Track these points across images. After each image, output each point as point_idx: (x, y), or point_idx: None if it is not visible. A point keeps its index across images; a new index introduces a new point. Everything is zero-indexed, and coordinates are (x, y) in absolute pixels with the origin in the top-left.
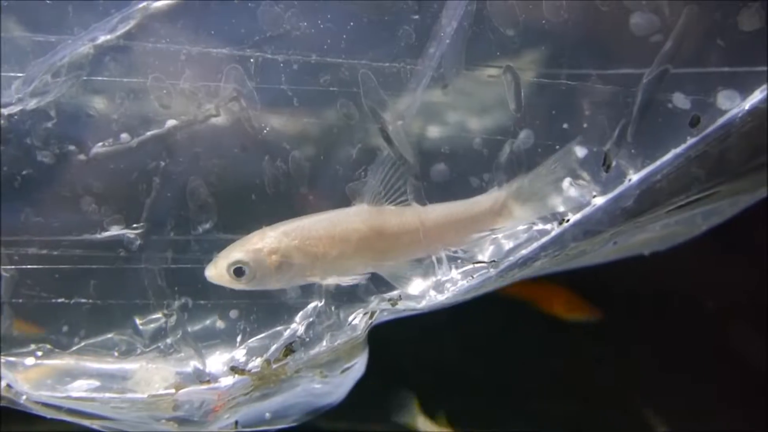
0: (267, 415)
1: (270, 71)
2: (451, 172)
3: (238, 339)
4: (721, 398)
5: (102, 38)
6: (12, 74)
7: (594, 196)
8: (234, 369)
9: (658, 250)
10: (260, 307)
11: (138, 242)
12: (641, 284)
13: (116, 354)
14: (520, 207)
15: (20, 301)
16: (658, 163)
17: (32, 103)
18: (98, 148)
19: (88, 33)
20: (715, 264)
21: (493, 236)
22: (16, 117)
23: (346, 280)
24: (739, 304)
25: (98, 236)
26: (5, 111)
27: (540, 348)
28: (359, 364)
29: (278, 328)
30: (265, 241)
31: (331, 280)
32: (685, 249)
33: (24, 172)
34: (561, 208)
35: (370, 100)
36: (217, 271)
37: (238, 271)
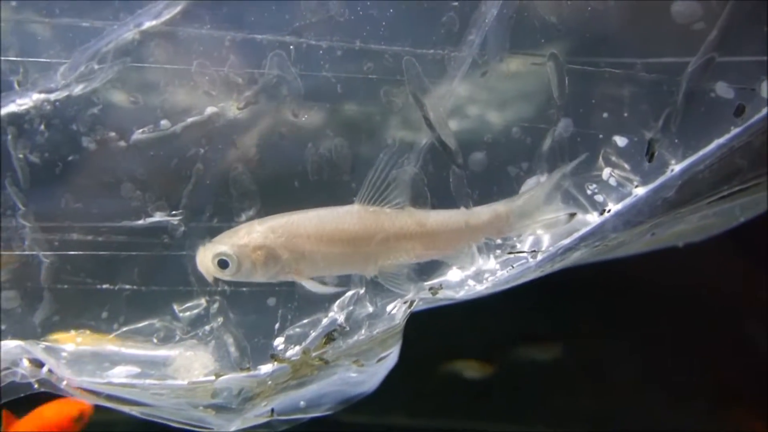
0: (302, 403)
1: (313, 58)
2: (489, 161)
3: (276, 327)
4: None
5: (147, 24)
6: (57, 60)
7: (635, 186)
8: (273, 357)
9: (693, 241)
10: (299, 294)
11: (182, 229)
12: (657, 278)
13: (155, 340)
14: (520, 221)
15: (64, 287)
16: (700, 153)
17: (78, 89)
18: (138, 135)
19: (133, 18)
20: (730, 259)
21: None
22: (58, 103)
23: (327, 290)
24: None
25: (140, 223)
26: (52, 97)
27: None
28: (394, 354)
29: (317, 316)
30: (251, 236)
31: (310, 285)
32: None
33: (66, 158)
34: (544, 243)
35: (413, 86)
36: (202, 260)
37: (222, 263)
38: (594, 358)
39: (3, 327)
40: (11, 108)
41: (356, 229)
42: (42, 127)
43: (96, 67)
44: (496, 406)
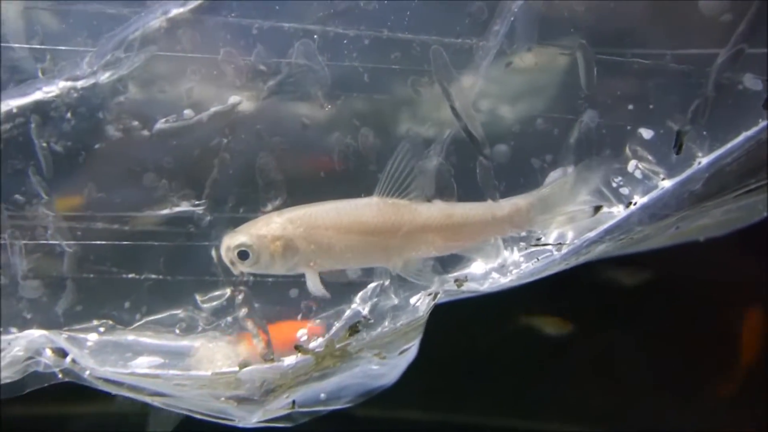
0: (322, 395)
1: (340, 47)
2: (513, 153)
3: (299, 318)
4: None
5: (174, 11)
6: (83, 48)
7: (662, 179)
8: (298, 348)
9: (715, 236)
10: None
11: (207, 218)
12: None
13: (178, 331)
14: (541, 215)
15: (87, 276)
16: (728, 145)
17: (104, 77)
18: (161, 125)
19: (160, 6)
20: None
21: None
22: (84, 91)
23: (322, 290)
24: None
25: (163, 212)
26: (78, 84)
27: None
28: (415, 346)
29: (339, 308)
30: (270, 227)
31: (312, 281)
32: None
33: (89, 147)
34: (584, 220)
35: (440, 76)
36: (222, 250)
37: (242, 255)
38: (604, 353)
39: (27, 316)
40: (37, 96)
41: (375, 221)
42: (69, 114)
43: (122, 55)
44: (509, 402)
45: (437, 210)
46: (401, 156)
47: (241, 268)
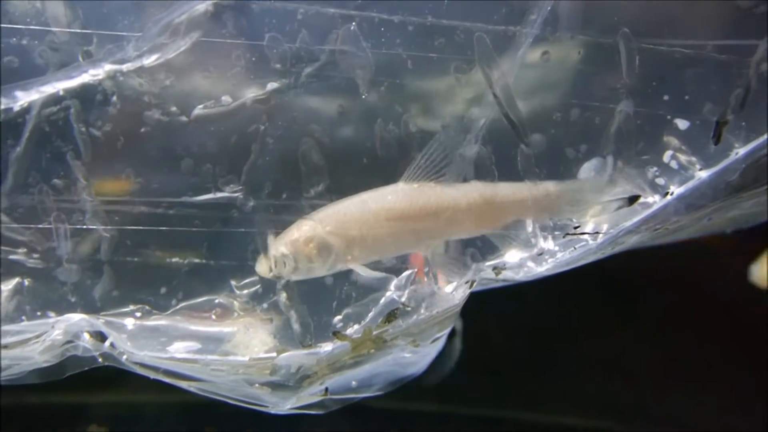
0: (354, 383)
1: (385, 33)
2: (547, 142)
3: (334, 305)
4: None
5: None
6: (125, 33)
7: (699, 170)
8: (335, 334)
9: (741, 228)
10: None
11: (251, 203)
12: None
13: (214, 316)
14: (569, 206)
15: (124, 261)
16: (765, 136)
17: (149, 61)
18: (199, 110)
19: None
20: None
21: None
22: (127, 75)
23: (376, 274)
24: None
25: (202, 198)
26: (124, 68)
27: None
28: (445, 335)
29: (375, 295)
30: (301, 231)
31: (362, 271)
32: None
33: (128, 132)
34: (600, 213)
35: (483, 63)
36: (262, 268)
37: (281, 264)
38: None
39: (71, 300)
40: (84, 78)
41: (402, 206)
42: (114, 98)
43: (168, 39)
44: (522, 394)
45: (464, 189)
46: (435, 146)
47: (284, 277)
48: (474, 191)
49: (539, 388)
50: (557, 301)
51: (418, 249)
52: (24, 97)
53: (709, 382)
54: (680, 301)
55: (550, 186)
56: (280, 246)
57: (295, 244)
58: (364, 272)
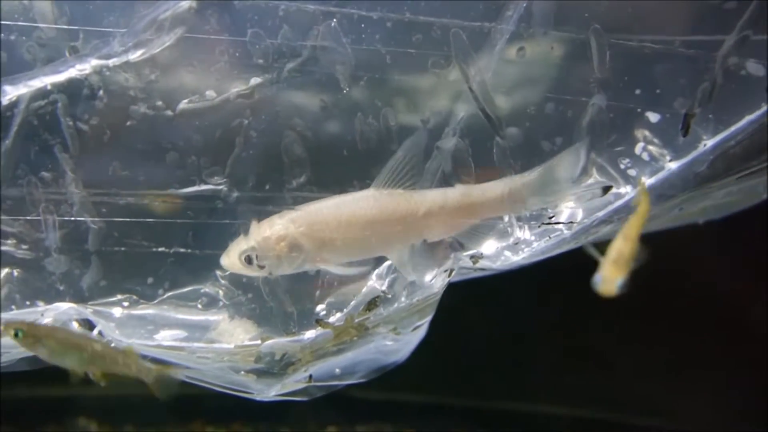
0: (337, 370)
1: (364, 29)
2: (524, 135)
3: (317, 294)
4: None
5: None
6: (111, 30)
7: (669, 161)
8: (318, 322)
9: (714, 218)
10: None
11: (235, 195)
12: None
13: (200, 306)
14: (534, 197)
15: (111, 251)
16: (732, 129)
17: (135, 56)
18: (184, 105)
19: None
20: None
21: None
22: (113, 70)
23: (350, 271)
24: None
25: (187, 190)
26: (110, 63)
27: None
28: (427, 324)
29: (356, 285)
30: (273, 229)
31: (335, 270)
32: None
33: (114, 126)
34: (573, 204)
35: (460, 58)
36: (230, 260)
37: (249, 259)
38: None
39: (60, 289)
40: (71, 73)
41: (373, 211)
42: (101, 92)
43: (153, 35)
44: (509, 385)
45: (432, 195)
46: (404, 155)
47: (251, 272)
48: (442, 196)
49: (522, 379)
50: (538, 294)
51: (386, 253)
52: (12, 92)
53: (689, 373)
54: (661, 293)
55: (516, 180)
56: (249, 243)
57: (267, 241)
58: (337, 270)
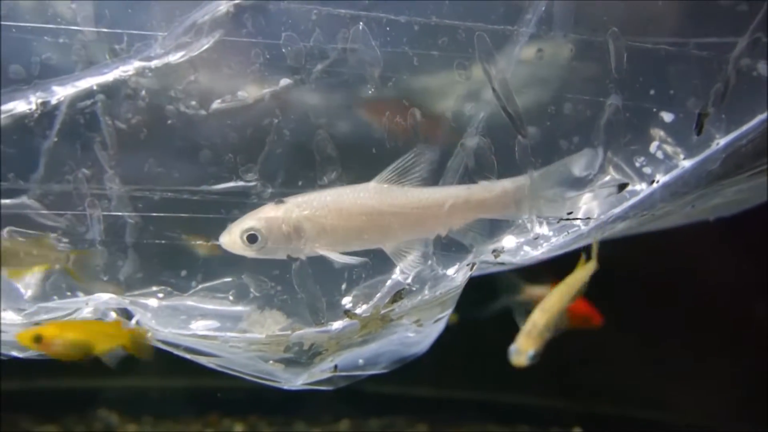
0: (360, 361)
1: (392, 32)
2: (542, 134)
3: (343, 287)
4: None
5: None
6: (153, 33)
7: (682, 159)
8: (347, 313)
9: (724, 216)
10: (368, 256)
11: (269, 190)
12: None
13: (231, 298)
14: (530, 200)
15: (147, 245)
16: (744, 128)
17: (175, 58)
18: (217, 104)
19: None
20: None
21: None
22: (156, 71)
23: (348, 260)
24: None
25: (221, 186)
26: (152, 64)
27: None
28: (447, 316)
29: (381, 278)
30: (277, 211)
31: (334, 257)
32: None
33: (151, 125)
34: (595, 211)
35: (484, 59)
36: (230, 238)
37: (251, 238)
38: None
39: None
40: (116, 74)
41: (371, 203)
42: (143, 93)
43: (192, 38)
44: (521, 379)
45: (429, 192)
46: (409, 157)
47: (249, 252)
48: (437, 194)
49: (534, 373)
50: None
51: (382, 244)
52: (61, 92)
53: (696, 367)
54: (669, 289)
55: (507, 184)
56: (252, 221)
57: (271, 222)
58: (337, 258)
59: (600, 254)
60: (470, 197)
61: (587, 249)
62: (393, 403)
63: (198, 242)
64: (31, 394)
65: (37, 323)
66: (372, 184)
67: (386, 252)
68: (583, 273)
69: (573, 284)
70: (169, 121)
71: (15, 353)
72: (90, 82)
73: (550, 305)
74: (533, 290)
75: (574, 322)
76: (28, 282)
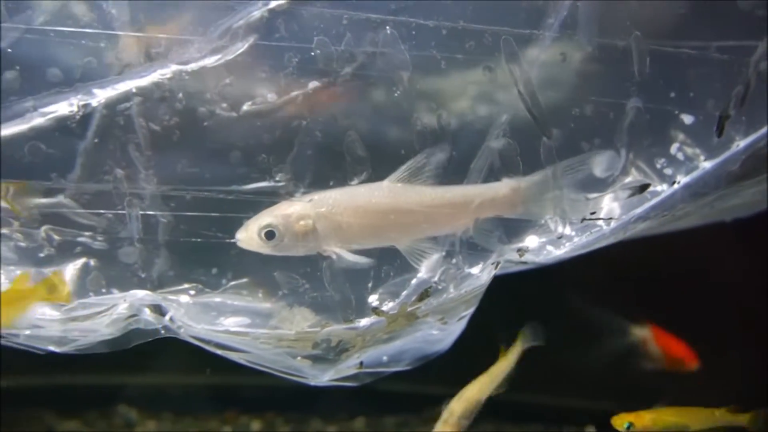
0: (385, 357)
1: (421, 36)
2: (564, 136)
3: (370, 285)
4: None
5: (274, 3)
6: (190, 37)
7: (703, 161)
8: (375, 310)
9: (741, 216)
10: (394, 254)
11: (301, 191)
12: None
13: (260, 295)
14: (532, 202)
15: (180, 244)
16: (763, 129)
17: (211, 62)
18: (247, 107)
19: None
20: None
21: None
22: (191, 75)
23: (357, 259)
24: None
25: (251, 186)
26: (188, 68)
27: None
28: (470, 314)
29: (407, 276)
30: (293, 208)
31: (344, 255)
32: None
33: (185, 126)
34: (617, 211)
35: (510, 63)
36: (247, 234)
37: (268, 235)
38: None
39: (141, 277)
40: (154, 77)
41: (385, 201)
42: (180, 95)
43: (228, 42)
44: (536, 377)
45: (440, 191)
46: (421, 157)
47: (265, 249)
48: (448, 193)
49: (548, 372)
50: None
51: (396, 242)
52: (101, 94)
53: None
54: (677, 287)
55: (512, 183)
56: (269, 218)
57: (287, 219)
58: (347, 257)
59: (613, 252)
60: (478, 197)
61: (509, 340)
62: (407, 401)
63: (229, 240)
64: (54, 390)
65: (74, 319)
66: (385, 183)
67: (399, 249)
68: (504, 364)
69: (494, 376)
70: (201, 124)
71: (52, 348)
72: (129, 85)
73: (469, 395)
74: (639, 331)
75: (669, 365)
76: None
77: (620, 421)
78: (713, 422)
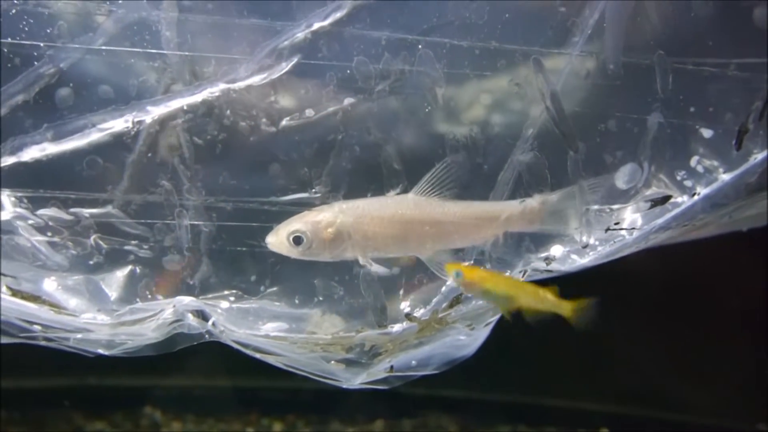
0: (413, 362)
1: (455, 56)
2: (588, 149)
3: (401, 292)
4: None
5: (317, 25)
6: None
7: (722, 173)
8: (408, 316)
9: (755, 227)
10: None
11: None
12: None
13: (296, 301)
14: (550, 218)
15: (220, 252)
16: None
17: (257, 80)
18: (286, 122)
19: (305, 20)
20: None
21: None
22: (234, 94)
23: (379, 269)
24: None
25: (289, 197)
26: (236, 86)
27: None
28: (495, 321)
29: (437, 283)
30: (322, 215)
31: (368, 264)
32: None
33: (227, 141)
34: (639, 222)
35: (539, 80)
36: (277, 239)
37: (297, 240)
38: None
39: (189, 284)
40: (204, 95)
41: (411, 213)
42: (228, 112)
43: (274, 62)
44: (548, 381)
45: (463, 205)
46: (442, 168)
47: (294, 253)
48: (469, 208)
49: (563, 376)
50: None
51: (419, 253)
52: (155, 111)
53: (717, 371)
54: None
55: (532, 202)
56: (298, 224)
57: (316, 226)
58: (373, 267)
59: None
60: (498, 213)
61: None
62: (425, 403)
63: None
64: (82, 391)
65: (122, 323)
66: (410, 196)
67: (422, 259)
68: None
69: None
70: (243, 138)
71: (101, 351)
72: (180, 102)
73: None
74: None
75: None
76: (111, 284)
77: (452, 268)
78: (540, 302)
